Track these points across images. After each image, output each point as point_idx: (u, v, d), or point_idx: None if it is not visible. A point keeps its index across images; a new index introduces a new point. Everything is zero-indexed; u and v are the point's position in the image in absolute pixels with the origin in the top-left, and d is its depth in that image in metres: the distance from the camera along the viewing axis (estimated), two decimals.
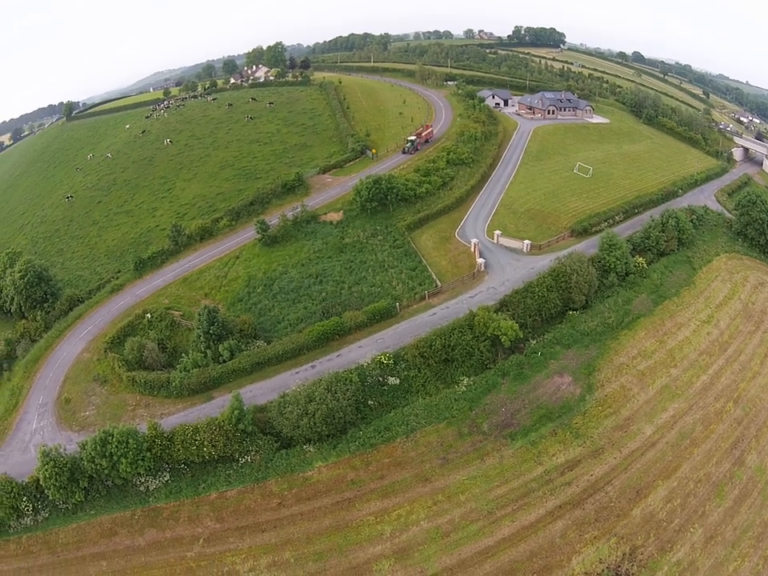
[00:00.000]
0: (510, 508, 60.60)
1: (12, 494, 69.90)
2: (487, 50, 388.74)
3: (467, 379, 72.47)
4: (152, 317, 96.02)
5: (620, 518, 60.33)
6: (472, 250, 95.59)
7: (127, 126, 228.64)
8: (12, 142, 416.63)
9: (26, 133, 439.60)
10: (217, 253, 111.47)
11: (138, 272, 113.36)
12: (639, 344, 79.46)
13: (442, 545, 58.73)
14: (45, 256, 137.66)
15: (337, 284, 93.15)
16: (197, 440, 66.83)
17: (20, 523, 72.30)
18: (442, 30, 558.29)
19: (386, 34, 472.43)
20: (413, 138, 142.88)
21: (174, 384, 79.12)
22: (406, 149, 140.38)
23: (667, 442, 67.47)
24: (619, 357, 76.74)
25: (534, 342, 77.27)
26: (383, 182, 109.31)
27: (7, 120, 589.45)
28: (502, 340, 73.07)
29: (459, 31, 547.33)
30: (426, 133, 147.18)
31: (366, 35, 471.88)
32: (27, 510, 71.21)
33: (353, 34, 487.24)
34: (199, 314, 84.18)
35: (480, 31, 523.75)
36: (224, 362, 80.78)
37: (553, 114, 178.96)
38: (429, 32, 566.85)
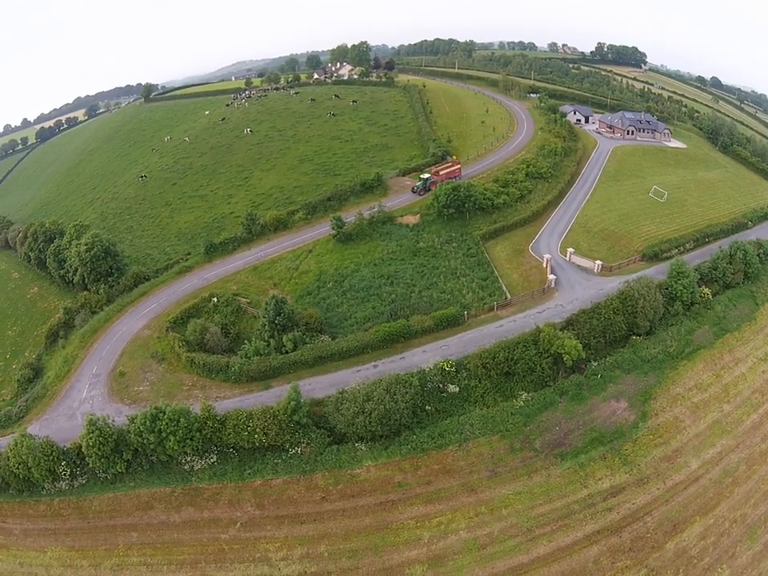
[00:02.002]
0: (549, 527, 64.59)
1: (51, 457, 76.69)
2: (570, 65, 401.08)
3: (526, 394, 76.72)
4: (218, 301, 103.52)
5: (654, 549, 63.56)
6: (544, 265, 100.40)
7: (207, 113, 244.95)
8: (87, 117, 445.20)
9: (101, 110, 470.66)
10: (290, 245, 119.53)
11: (208, 256, 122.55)
12: (696, 376, 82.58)
13: (477, 556, 62.98)
14: (113, 231, 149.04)
15: (407, 287, 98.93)
16: (249, 426, 72.44)
17: (54, 486, 79.40)
18: (526, 42, 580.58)
19: (471, 42, 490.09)
20: (426, 176, 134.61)
21: (233, 369, 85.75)
22: (416, 188, 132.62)
23: (710, 478, 70.48)
24: (676, 387, 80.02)
25: (596, 363, 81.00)
26: (462, 189, 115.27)
27: (82, 96, 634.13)
28: (565, 359, 77.06)
29: (543, 44, 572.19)
30: (448, 171, 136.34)
31: (452, 41, 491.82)
32: (64, 474, 78.13)
33: (438, 39, 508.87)
34: (266, 303, 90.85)
35: (564, 45, 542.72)
36: (286, 352, 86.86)
37: (632, 134, 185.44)
38: (513, 42, 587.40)
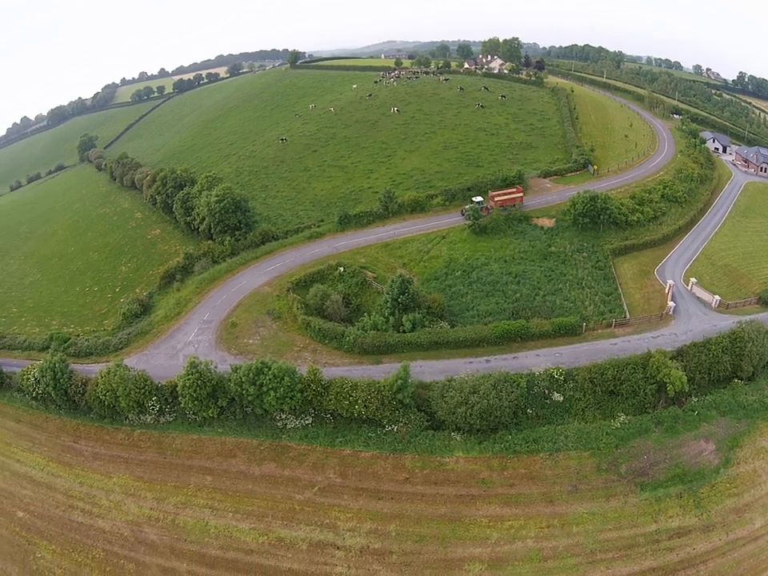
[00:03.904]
0: (611, 554, 67.34)
1: (143, 390, 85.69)
2: (713, 91, 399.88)
3: (624, 416, 79.78)
4: (344, 271, 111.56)
5: None
6: (666, 291, 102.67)
7: (354, 86, 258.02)
8: (228, 75, 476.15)
9: (244, 70, 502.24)
10: (424, 228, 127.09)
11: (341, 226, 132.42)
12: None
13: (535, 567, 66.68)
14: (247, 188, 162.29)
15: (533, 289, 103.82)
16: (352, 396, 78.46)
17: (139, 418, 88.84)
18: (672, 60, 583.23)
19: (620, 53, 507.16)
20: (479, 199, 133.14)
21: (347, 339, 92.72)
22: (464, 211, 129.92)
23: None
24: (763, 439, 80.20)
25: (696, 399, 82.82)
26: (599, 200, 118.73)
27: (225, 55, 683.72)
28: (668, 388, 79.38)
29: (689, 65, 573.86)
30: (505, 198, 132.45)
31: (601, 49, 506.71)
32: (152, 408, 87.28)
33: (588, 45, 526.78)
34: (392, 281, 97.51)
35: (707, 69, 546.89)
36: (403, 332, 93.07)
37: (765, 171, 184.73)
38: (660, 59, 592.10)
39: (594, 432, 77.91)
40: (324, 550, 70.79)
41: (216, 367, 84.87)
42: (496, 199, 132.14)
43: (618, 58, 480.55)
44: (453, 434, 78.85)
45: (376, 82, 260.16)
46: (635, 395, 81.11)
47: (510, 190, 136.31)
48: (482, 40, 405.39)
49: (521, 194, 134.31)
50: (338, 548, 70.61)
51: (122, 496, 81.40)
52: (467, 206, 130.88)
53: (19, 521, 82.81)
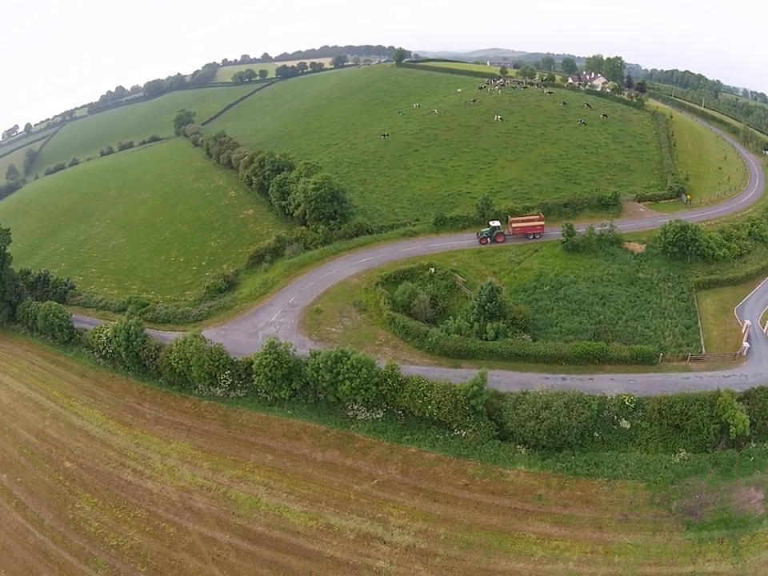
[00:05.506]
0: None
1: (216, 363, 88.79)
2: None
3: (684, 453, 79.10)
4: (435, 272, 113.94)
5: None
6: (743, 331, 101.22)
7: (459, 90, 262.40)
8: (333, 66, 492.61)
9: (349, 63, 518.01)
10: (517, 239, 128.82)
11: (437, 227, 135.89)
12: None
13: None
14: (345, 179, 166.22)
15: (617, 312, 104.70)
16: (426, 396, 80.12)
17: (209, 390, 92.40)
18: (767, 94, 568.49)
19: (718, 82, 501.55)
20: (496, 223, 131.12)
21: (430, 339, 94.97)
22: (480, 234, 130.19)
23: None
24: None
25: (754, 445, 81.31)
26: (689, 230, 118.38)
27: (330, 46, 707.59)
28: (730, 430, 78.47)
29: None
30: (524, 225, 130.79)
31: (700, 77, 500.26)
32: (224, 382, 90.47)
33: (688, 72, 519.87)
34: (482, 288, 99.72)
35: None
36: (486, 339, 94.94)
37: None
38: (756, 92, 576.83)
39: (653, 464, 77.97)
40: (370, 542, 72.14)
41: (295, 350, 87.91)
42: (514, 225, 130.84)
43: (716, 88, 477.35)
44: (518, 446, 79.99)
45: (481, 88, 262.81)
46: (698, 432, 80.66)
47: (531, 217, 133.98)
48: (586, 56, 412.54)
49: (542, 223, 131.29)
50: (385, 543, 71.93)
51: (178, 462, 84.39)
52: (483, 230, 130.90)
53: (65, 470, 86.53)
